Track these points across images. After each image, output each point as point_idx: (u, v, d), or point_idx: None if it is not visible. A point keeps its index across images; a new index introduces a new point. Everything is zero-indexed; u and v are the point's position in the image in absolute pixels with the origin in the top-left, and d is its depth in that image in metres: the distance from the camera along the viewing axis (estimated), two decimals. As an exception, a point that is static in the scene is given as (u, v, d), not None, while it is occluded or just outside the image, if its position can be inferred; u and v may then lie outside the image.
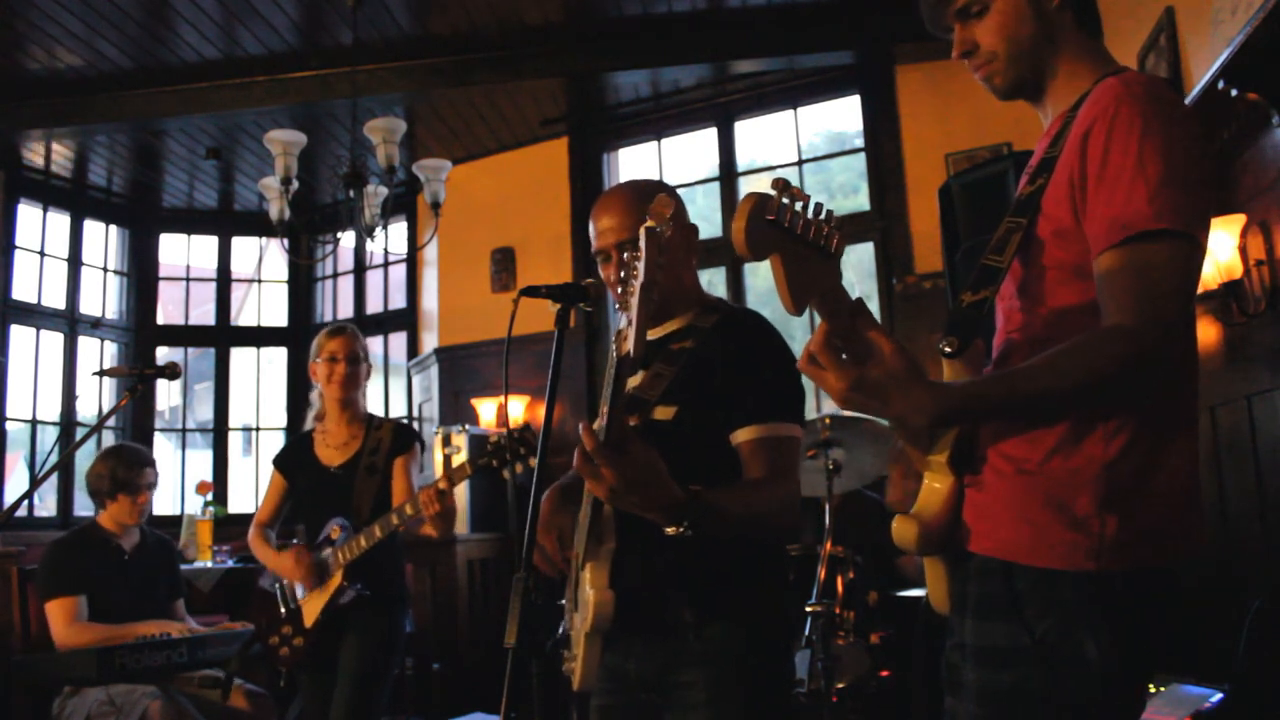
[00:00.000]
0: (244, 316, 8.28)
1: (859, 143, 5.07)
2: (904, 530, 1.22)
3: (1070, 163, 1.18)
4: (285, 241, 4.49)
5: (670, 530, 1.41)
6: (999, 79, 1.32)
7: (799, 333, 6.48)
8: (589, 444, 1.32)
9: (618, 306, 1.53)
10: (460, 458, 4.60)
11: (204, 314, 6.87)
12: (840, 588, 3.13)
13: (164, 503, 6.98)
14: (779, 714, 1.63)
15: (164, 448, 7.11)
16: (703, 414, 1.62)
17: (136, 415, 6.12)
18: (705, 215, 5.40)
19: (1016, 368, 1.13)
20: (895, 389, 1.08)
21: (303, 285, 6.76)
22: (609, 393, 1.35)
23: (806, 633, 2.97)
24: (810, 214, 1.05)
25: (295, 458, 3.00)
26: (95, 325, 6.02)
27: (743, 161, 5.39)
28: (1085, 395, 1.11)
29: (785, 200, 1.02)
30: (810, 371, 1.10)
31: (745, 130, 5.39)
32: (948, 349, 1.17)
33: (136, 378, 2.61)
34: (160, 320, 6.48)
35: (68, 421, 5.81)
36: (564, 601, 1.76)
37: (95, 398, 6.23)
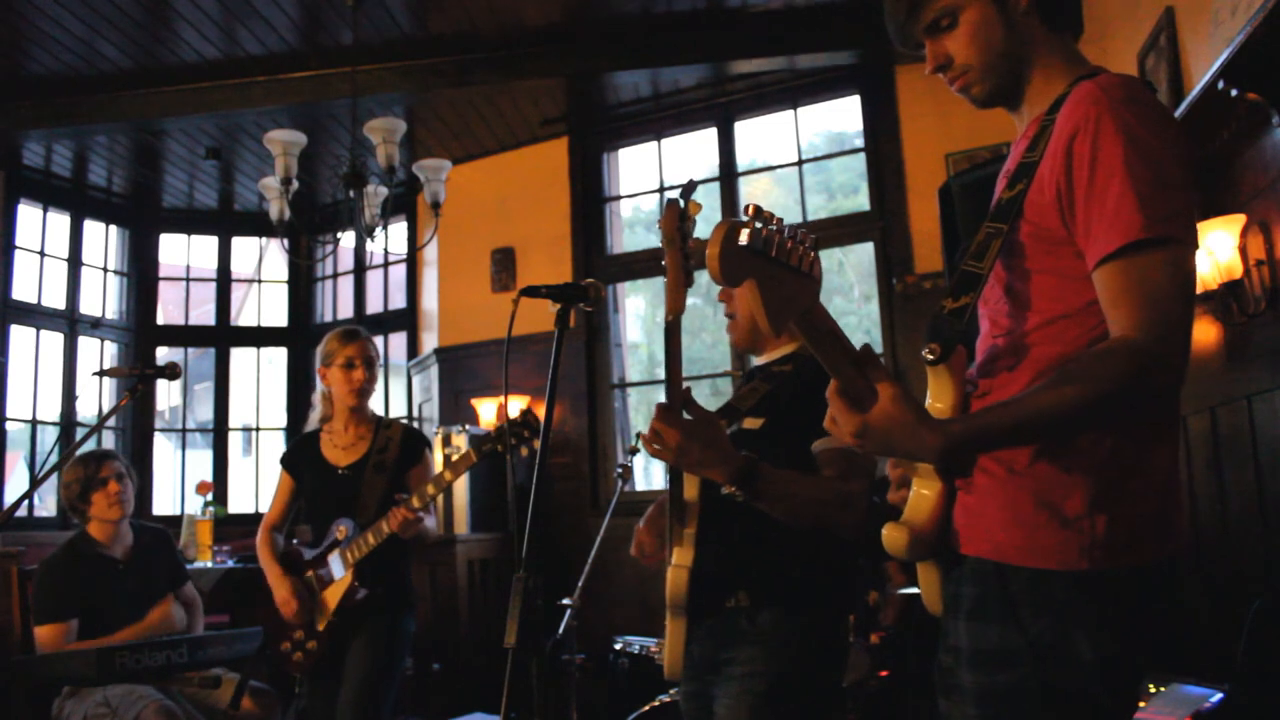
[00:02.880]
0: (244, 316, 8.30)
1: (859, 143, 5.07)
2: (894, 537, 1.21)
3: (1055, 171, 1.18)
4: (285, 241, 4.49)
5: (726, 490, 1.60)
6: (976, 89, 1.33)
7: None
8: (657, 411, 1.56)
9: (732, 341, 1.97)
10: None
11: (204, 314, 6.88)
12: (840, 588, 3.13)
13: (164, 503, 6.98)
14: (808, 702, 1.70)
15: (164, 448, 7.11)
16: (787, 427, 1.77)
17: (136, 415, 6.13)
18: (705, 216, 5.36)
19: (1020, 394, 1.13)
20: (899, 433, 1.12)
21: (303, 285, 6.77)
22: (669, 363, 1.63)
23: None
24: (784, 236, 1.06)
25: (302, 457, 2.99)
26: (95, 325, 6.02)
27: (743, 161, 5.39)
28: (1096, 414, 1.10)
29: (759, 225, 1.03)
30: (824, 422, 1.18)
31: (745, 130, 5.39)
32: (930, 356, 1.18)
33: (136, 378, 2.61)
34: (160, 320, 6.49)
35: (68, 421, 5.81)
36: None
37: (95, 398, 6.23)
